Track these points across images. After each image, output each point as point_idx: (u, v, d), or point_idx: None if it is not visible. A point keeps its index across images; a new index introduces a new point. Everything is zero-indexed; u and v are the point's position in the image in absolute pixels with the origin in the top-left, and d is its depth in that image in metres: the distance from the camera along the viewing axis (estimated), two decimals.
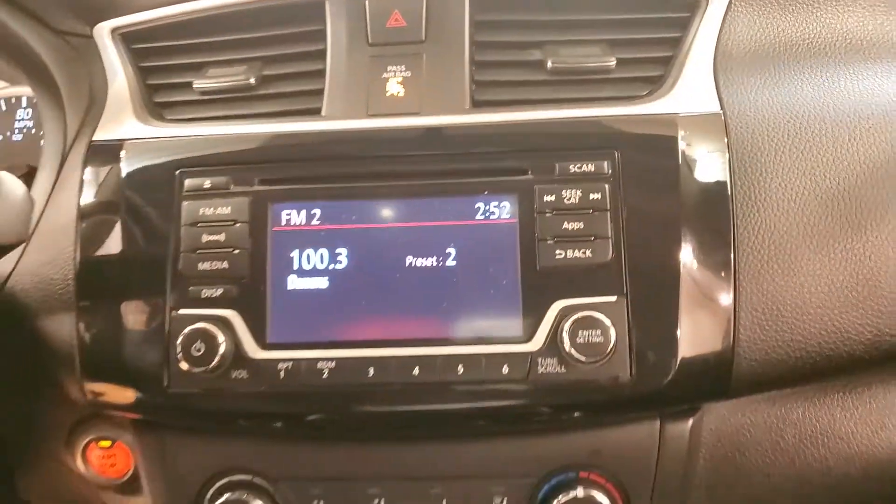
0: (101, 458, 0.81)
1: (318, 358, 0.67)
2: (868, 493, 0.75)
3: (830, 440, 0.72)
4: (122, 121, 0.75)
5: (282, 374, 0.67)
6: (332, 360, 0.67)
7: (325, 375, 0.66)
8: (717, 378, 0.67)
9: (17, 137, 1.01)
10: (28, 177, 0.82)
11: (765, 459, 0.73)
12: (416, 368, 0.66)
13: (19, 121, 1.01)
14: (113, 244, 0.71)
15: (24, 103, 1.02)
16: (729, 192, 0.67)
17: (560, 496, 0.70)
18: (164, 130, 0.74)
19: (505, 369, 0.65)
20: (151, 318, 0.69)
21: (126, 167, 0.72)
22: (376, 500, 0.72)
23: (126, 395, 0.70)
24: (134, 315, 0.69)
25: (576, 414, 0.68)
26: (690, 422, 0.71)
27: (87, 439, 0.81)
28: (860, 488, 0.74)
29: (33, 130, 1.01)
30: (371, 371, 0.66)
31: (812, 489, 0.74)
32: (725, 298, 0.66)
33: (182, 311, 0.68)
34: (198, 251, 0.69)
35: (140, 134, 0.73)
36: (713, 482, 0.73)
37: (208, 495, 0.74)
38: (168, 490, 0.76)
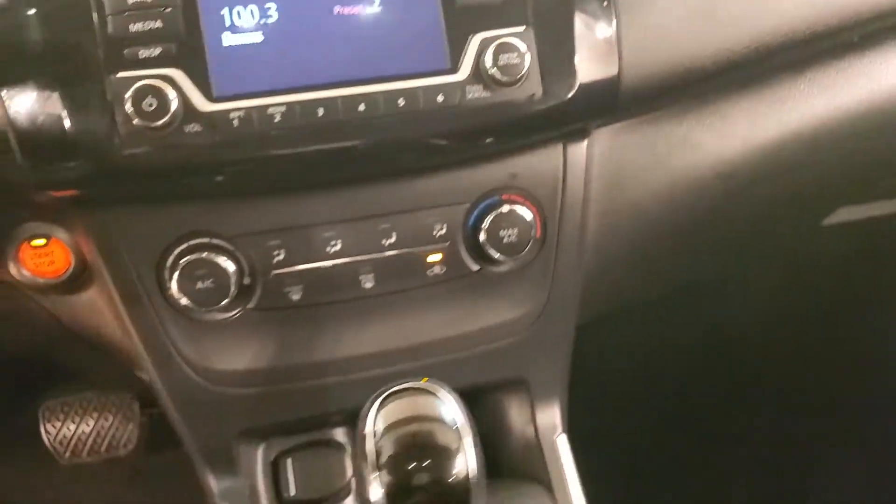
0: (36, 257, 0.81)
1: (267, 105, 0.71)
2: (719, 189, 0.94)
3: (689, 144, 0.90)
4: None
5: (235, 122, 0.71)
6: (281, 104, 0.71)
7: (276, 119, 0.71)
8: (608, 95, 0.80)
9: None
10: None
11: (642, 168, 0.89)
12: (362, 105, 0.73)
13: None
14: (23, 17, 0.68)
15: None
16: None
17: (490, 215, 0.82)
18: None
19: (440, 98, 0.74)
20: (90, 85, 0.68)
21: None
22: (332, 242, 0.80)
23: (75, 167, 0.70)
24: (69, 85, 0.68)
25: (493, 139, 0.79)
26: (585, 143, 0.86)
27: (19, 241, 0.80)
28: (713, 185, 0.93)
29: None
30: (320, 111, 0.72)
31: (678, 192, 0.92)
32: (609, 28, 0.78)
33: (122, 74, 0.69)
34: (126, 13, 0.69)
35: None
36: (603, 190, 0.89)
37: (168, 263, 0.78)
38: (126, 266, 0.78)
